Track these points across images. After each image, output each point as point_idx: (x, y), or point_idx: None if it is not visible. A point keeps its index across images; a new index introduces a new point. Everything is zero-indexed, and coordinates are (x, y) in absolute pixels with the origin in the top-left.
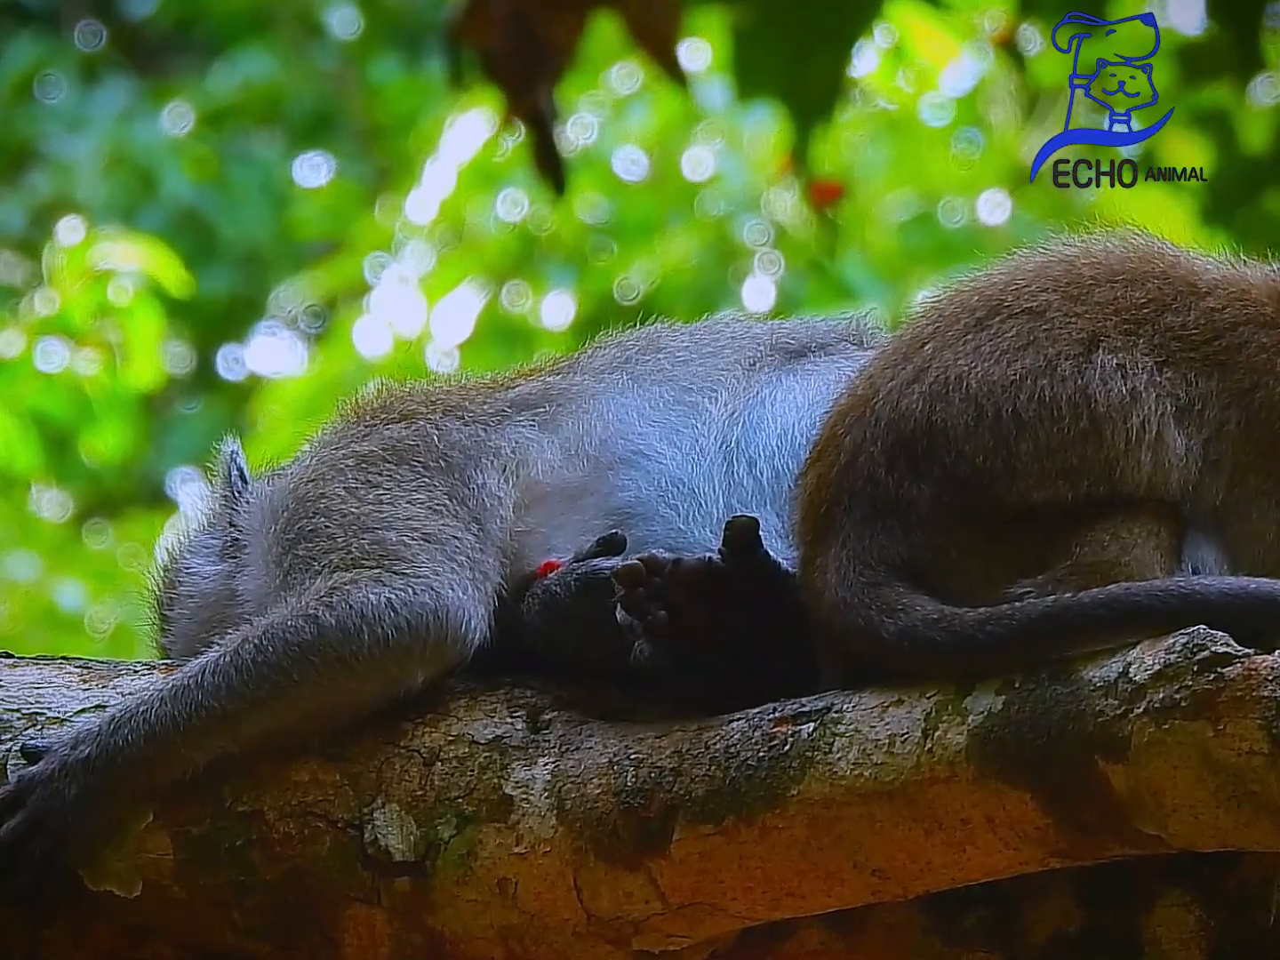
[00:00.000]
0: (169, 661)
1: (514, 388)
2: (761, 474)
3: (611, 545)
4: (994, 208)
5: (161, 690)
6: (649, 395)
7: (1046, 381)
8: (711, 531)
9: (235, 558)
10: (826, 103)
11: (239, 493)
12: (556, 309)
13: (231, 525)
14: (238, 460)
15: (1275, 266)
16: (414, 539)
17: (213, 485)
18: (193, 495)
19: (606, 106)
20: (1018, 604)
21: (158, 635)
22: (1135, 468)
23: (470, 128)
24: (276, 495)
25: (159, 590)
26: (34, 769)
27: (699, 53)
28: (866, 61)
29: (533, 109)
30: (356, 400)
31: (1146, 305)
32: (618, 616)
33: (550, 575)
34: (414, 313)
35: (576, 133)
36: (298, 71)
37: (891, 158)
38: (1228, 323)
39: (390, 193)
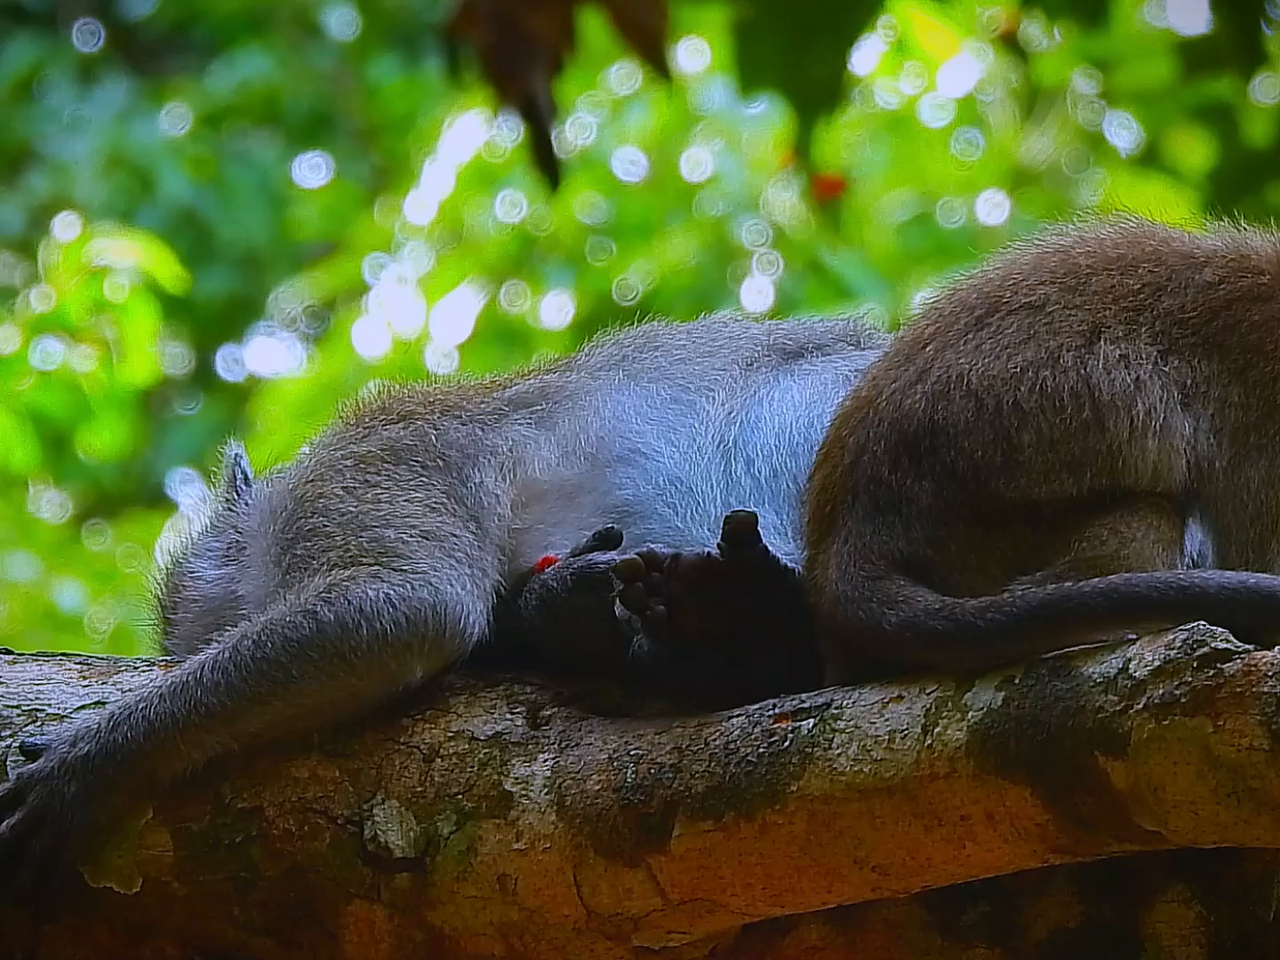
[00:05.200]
0: (169, 658)
1: (511, 387)
2: (760, 472)
3: (607, 540)
4: (993, 208)
5: (161, 687)
6: (646, 393)
7: (1048, 373)
8: (709, 529)
9: (238, 561)
10: (829, 95)
11: (242, 495)
12: (555, 309)
13: (234, 529)
14: (241, 463)
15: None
16: (412, 536)
17: (216, 488)
18: (194, 497)
19: (605, 107)
20: (1019, 593)
21: (161, 639)
22: (1140, 456)
23: (469, 128)
24: (275, 496)
25: (162, 594)
26: (33, 766)
27: (698, 52)
28: (868, 59)
29: (526, 104)
30: (355, 402)
31: (1143, 290)
32: (616, 611)
33: (547, 570)
34: (413, 313)
35: (575, 133)
36: (296, 72)
37: (890, 158)
38: (1222, 300)
39: (389, 193)
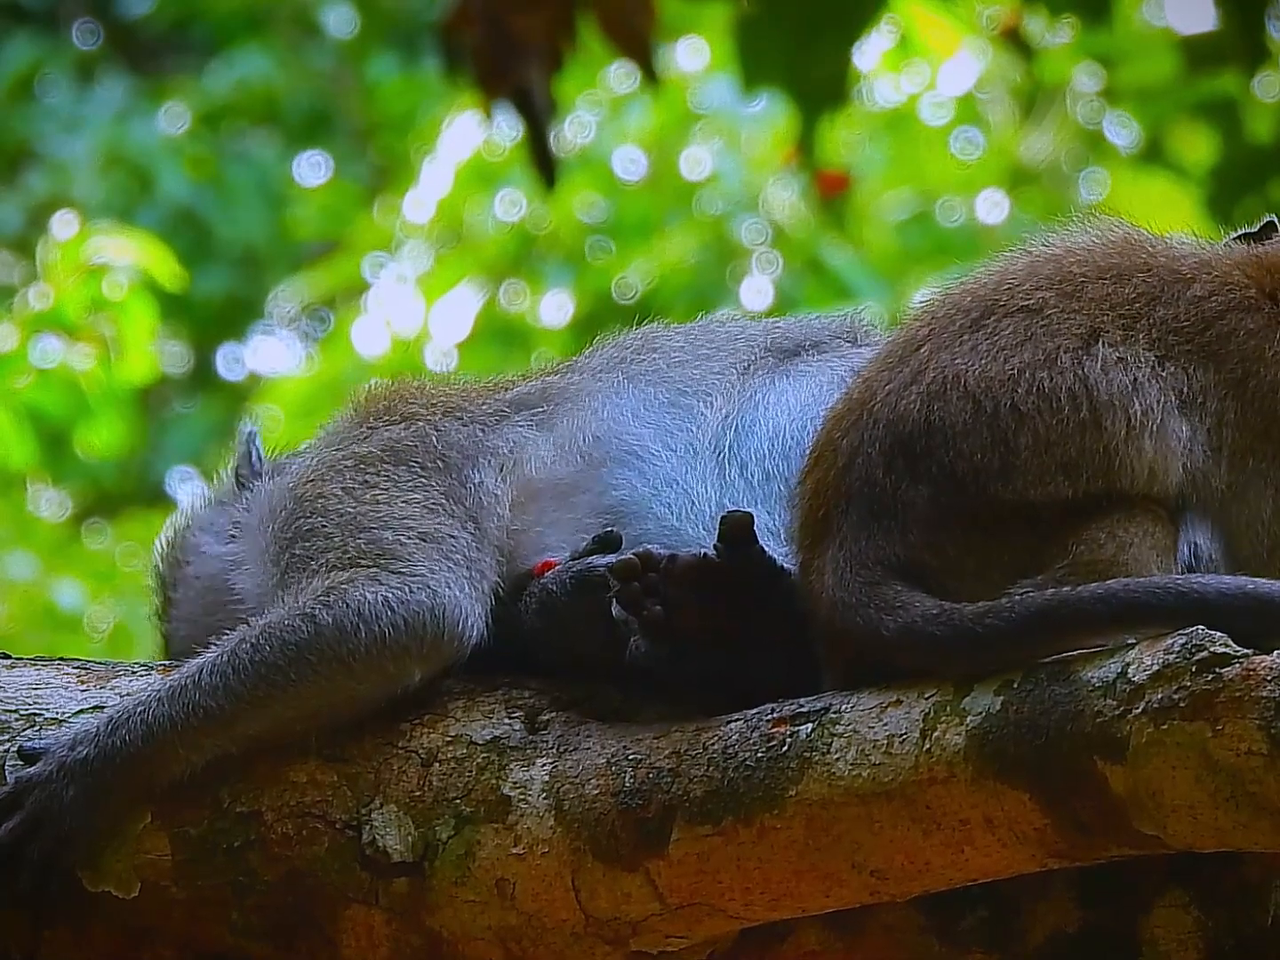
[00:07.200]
0: (167, 663)
1: (513, 389)
2: (752, 476)
3: (607, 543)
4: (992, 207)
5: (159, 691)
6: (644, 396)
7: (1045, 374)
8: (705, 529)
9: (240, 539)
10: (833, 92)
11: (252, 475)
12: (555, 308)
13: (241, 509)
14: (255, 442)
15: (1228, 242)
16: (410, 538)
17: (228, 464)
18: (201, 482)
19: (604, 106)
20: (1017, 598)
21: (160, 619)
22: (1136, 456)
23: (468, 127)
24: (276, 494)
25: (165, 569)
26: (32, 770)
27: (697, 50)
28: (870, 57)
29: (521, 102)
30: (360, 400)
31: (1138, 300)
32: (613, 612)
33: (546, 574)
34: (412, 312)
35: (574, 131)
36: (294, 71)
37: (890, 156)
38: (1215, 311)
39: (388, 192)
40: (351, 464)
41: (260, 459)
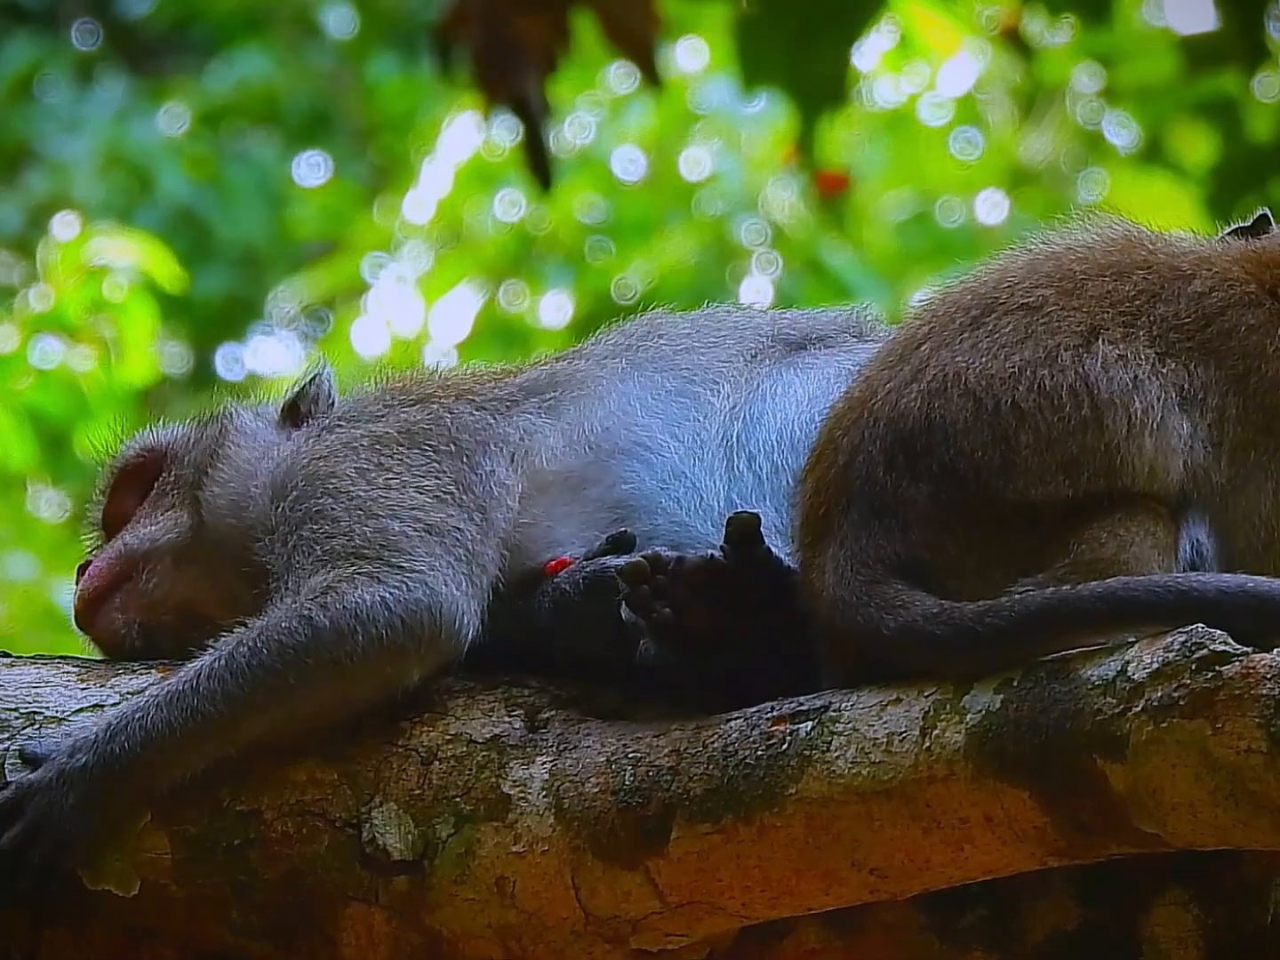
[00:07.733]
0: (165, 661)
1: (523, 374)
2: (760, 469)
3: (620, 543)
4: (992, 207)
5: (157, 695)
6: (652, 385)
7: (1046, 371)
8: (713, 525)
9: (285, 441)
10: (833, 91)
11: (314, 415)
12: (554, 309)
13: (289, 425)
14: (330, 384)
15: (1223, 237)
16: (416, 530)
17: (287, 391)
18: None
19: (604, 106)
20: (1017, 597)
21: (196, 481)
22: (1137, 454)
23: (467, 127)
24: (290, 470)
25: (214, 433)
26: (32, 776)
27: (696, 51)
28: (870, 57)
29: (518, 105)
30: (378, 377)
31: (1138, 297)
32: (623, 614)
33: (560, 574)
34: (412, 312)
35: (574, 132)
36: (294, 71)
37: (890, 157)
38: (1216, 307)
39: (388, 192)
40: (367, 443)
41: (331, 402)
